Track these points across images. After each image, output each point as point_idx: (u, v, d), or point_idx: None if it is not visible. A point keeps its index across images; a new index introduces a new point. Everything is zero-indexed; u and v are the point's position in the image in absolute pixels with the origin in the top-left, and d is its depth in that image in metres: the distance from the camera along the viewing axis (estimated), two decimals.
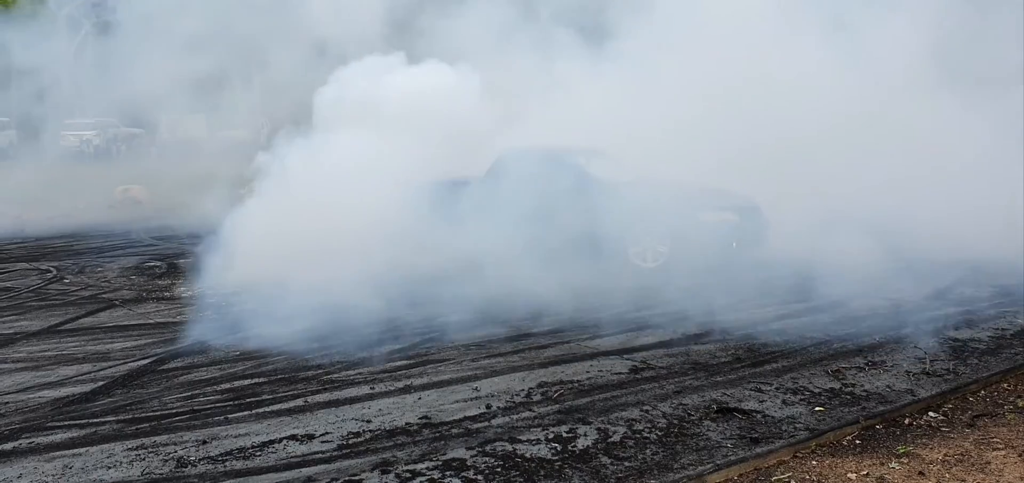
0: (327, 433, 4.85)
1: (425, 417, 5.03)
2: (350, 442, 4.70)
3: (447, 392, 5.49)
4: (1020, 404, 5.13)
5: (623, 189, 9.56)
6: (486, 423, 4.92)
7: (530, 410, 5.13)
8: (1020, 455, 4.38)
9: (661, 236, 9.32)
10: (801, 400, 5.20)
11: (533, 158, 10.18)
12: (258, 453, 4.59)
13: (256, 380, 5.94)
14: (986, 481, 4.11)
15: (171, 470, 4.41)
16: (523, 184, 9.71)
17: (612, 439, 4.64)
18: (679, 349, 6.35)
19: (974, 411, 5.05)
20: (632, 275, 9.15)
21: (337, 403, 5.36)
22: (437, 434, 4.77)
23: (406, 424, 4.94)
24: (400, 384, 5.68)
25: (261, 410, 5.28)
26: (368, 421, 5.01)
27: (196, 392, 5.70)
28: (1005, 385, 5.48)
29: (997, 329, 6.72)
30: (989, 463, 4.30)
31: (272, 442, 4.74)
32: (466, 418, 5.00)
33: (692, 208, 9.31)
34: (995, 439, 4.60)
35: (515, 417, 5.01)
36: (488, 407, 5.18)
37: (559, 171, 10.04)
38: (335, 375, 5.96)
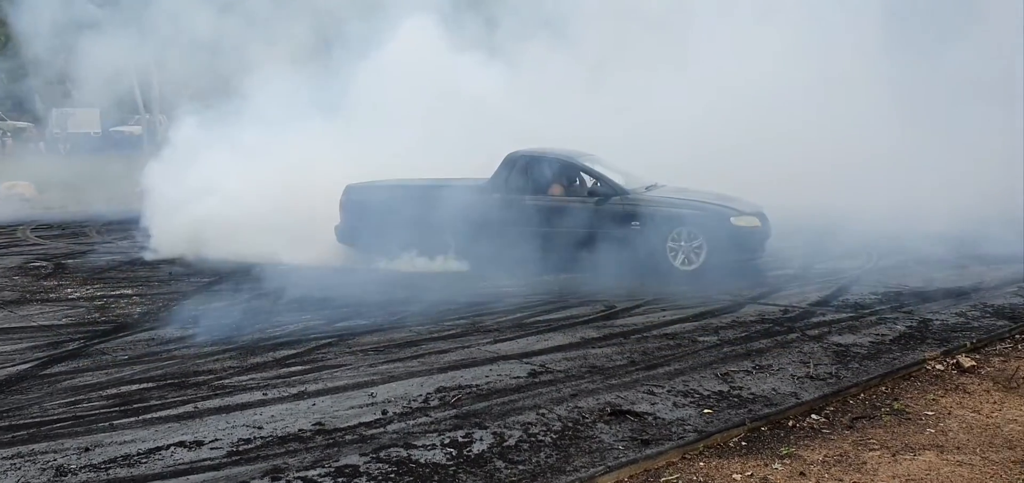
0: (217, 440, 4.73)
1: (319, 423, 4.97)
2: (240, 449, 4.60)
3: (343, 398, 5.43)
4: (896, 406, 5.37)
5: (660, 198, 10.21)
6: (381, 429, 4.89)
7: (427, 415, 5.12)
8: (894, 455, 4.59)
9: (699, 241, 9.75)
10: (691, 402, 5.34)
11: (549, 161, 10.61)
12: (143, 460, 4.46)
13: (145, 385, 5.77)
14: (862, 480, 4.29)
15: (49, 479, 4.24)
16: (540, 188, 10.38)
17: (508, 443, 4.67)
18: (577, 353, 6.44)
19: (853, 413, 5.27)
20: (676, 278, 9.57)
21: (228, 409, 5.24)
22: (330, 440, 4.71)
23: (299, 430, 4.86)
24: (294, 390, 5.60)
25: (149, 416, 5.13)
26: (260, 427, 4.92)
27: (80, 398, 5.50)
28: (883, 388, 5.74)
29: (877, 335, 7.03)
30: (865, 463, 4.50)
31: (159, 449, 4.60)
32: (361, 424, 4.96)
33: (726, 214, 9.87)
34: (872, 440, 4.81)
35: (411, 422, 4.99)
36: (384, 413, 5.15)
37: (575, 175, 10.67)
38: (227, 380, 5.83)
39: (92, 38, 15.87)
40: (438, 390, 5.57)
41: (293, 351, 6.60)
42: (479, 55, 14.28)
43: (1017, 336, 7.02)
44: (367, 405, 5.30)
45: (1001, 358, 6.41)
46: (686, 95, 15.08)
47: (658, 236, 9.78)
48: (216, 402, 5.38)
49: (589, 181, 10.42)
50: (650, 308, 8.07)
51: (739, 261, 9.86)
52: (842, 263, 10.69)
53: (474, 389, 5.58)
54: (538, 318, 7.66)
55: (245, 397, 5.47)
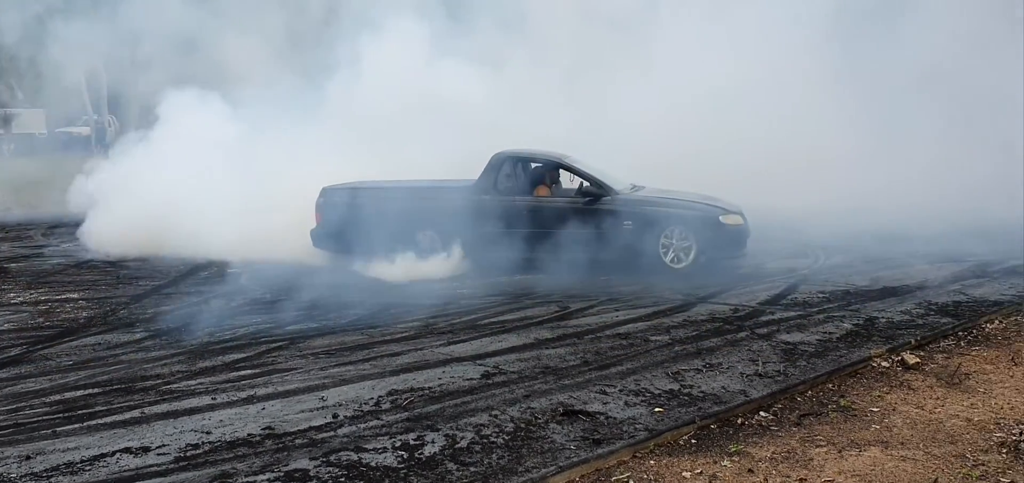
0: (164, 446, 4.66)
1: (268, 427, 4.92)
2: (188, 455, 4.53)
3: (293, 402, 5.38)
4: (843, 403, 5.46)
5: (652, 198, 10.45)
6: (332, 433, 4.85)
7: (378, 418, 5.09)
8: (840, 451, 4.67)
9: (689, 240, 10.02)
10: (643, 401, 5.38)
11: (537, 161, 10.73)
12: (88, 468, 4.37)
13: (90, 390, 5.66)
14: (809, 477, 4.36)
15: None
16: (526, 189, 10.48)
17: (459, 445, 4.66)
18: (531, 354, 6.45)
19: (801, 410, 5.35)
20: (669, 276, 9.85)
21: (176, 414, 5.16)
22: (280, 445, 4.67)
23: (248, 435, 4.80)
24: (243, 394, 5.53)
25: (94, 422, 5.03)
26: (208, 432, 4.85)
27: (22, 404, 5.37)
28: (830, 385, 5.83)
29: (825, 333, 7.15)
30: (812, 459, 4.57)
31: (104, 456, 4.52)
32: (311, 428, 4.92)
33: (715, 213, 10.19)
34: (819, 437, 4.89)
35: (362, 426, 4.96)
36: (335, 416, 5.11)
37: (562, 175, 10.75)
38: (175, 385, 5.74)
39: (42, 38, 15.61)
40: (390, 393, 5.54)
41: (243, 354, 6.52)
42: (452, 59, 14.34)
43: (960, 334, 7.19)
44: (317, 409, 5.25)
45: (944, 355, 6.55)
46: (648, 98, 15.36)
47: (651, 235, 10.00)
48: (164, 407, 5.29)
49: (578, 182, 10.47)
50: (604, 308, 8.12)
51: (725, 258, 10.25)
52: (792, 262, 10.89)
53: (426, 391, 5.56)
54: (493, 319, 7.65)
55: (193, 402, 5.39)
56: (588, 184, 10.28)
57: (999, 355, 6.53)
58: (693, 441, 4.84)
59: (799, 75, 16.68)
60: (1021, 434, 4.84)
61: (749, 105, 15.71)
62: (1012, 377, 5.97)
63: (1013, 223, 14.12)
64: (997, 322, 7.59)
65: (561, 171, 10.70)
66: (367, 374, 5.94)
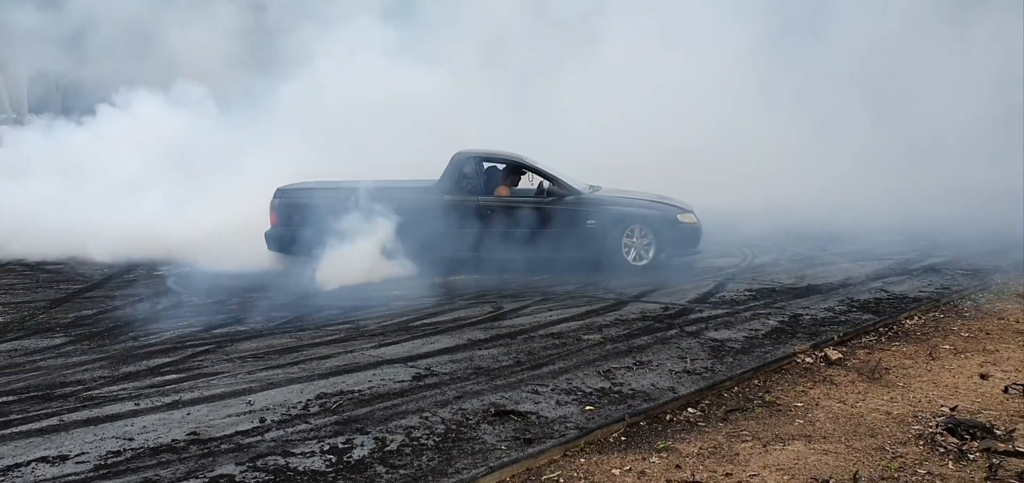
0: (83, 453, 4.52)
1: (193, 433, 4.81)
2: (109, 462, 4.40)
3: (219, 406, 5.27)
4: (768, 398, 5.57)
5: (614, 197, 10.75)
6: (259, 437, 4.77)
7: (307, 422, 5.02)
8: (765, 446, 4.76)
9: (649, 237, 10.44)
10: (574, 400, 5.41)
11: (499, 161, 10.75)
12: (0, 479, 4.21)
13: (5, 398, 5.46)
14: (734, 471, 4.43)
15: None
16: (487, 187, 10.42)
17: (389, 448, 4.62)
18: (463, 355, 6.43)
19: (728, 406, 5.44)
20: (631, 273, 10.22)
21: (97, 421, 5.01)
22: (205, 450, 4.57)
23: (172, 441, 4.69)
24: (168, 399, 5.40)
25: (8, 431, 4.85)
26: (131, 439, 4.72)
27: None
28: (755, 381, 5.95)
29: (751, 330, 7.29)
30: (738, 454, 4.65)
31: (18, 466, 4.36)
32: (238, 433, 4.82)
33: (674, 212, 10.63)
34: (744, 432, 4.98)
35: (290, 430, 4.88)
36: (262, 421, 5.02)
37: (523, 175, 10.81)
38: (97, 391, 5.58)
39: None
40: (319, 396, 5.46)
41: (168, 359, 6.37)
42: (405, 58, 14.35)
43: (880, 330, 7.40)
44: (244, 413, 5.15)
45: (866, 350, 6.74)
46: (594, 100, 15.63)
47: (613, 234, 10.32)
48: (84, 414, 5.13)
49: (537, 182, 10.60)
50: (537, 308, 8.15)
51: (682, 255, 10.72)
52: (722, 261, 11.10)
53: (356, 394, 5.51)
54: (425, 321, 7.62)
55: (116, 408, 5.24)
56: (550, 184, 10.44)
57: (918, 350, 6.74)
58: (623, 438, 4.88)
59: (737, 79, 17.12)
60: (937, 426, 5.00)
61: (690, 108, 16.06)
62: (930, 371, 6.16)
63: (934, 222, 14.66)
64: (916, 318, 7.84)
65: (519, 172, 10.78)
66: (295, 377, 5.85)
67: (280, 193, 10.28)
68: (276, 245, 10.32)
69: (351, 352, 6.51)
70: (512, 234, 10.10)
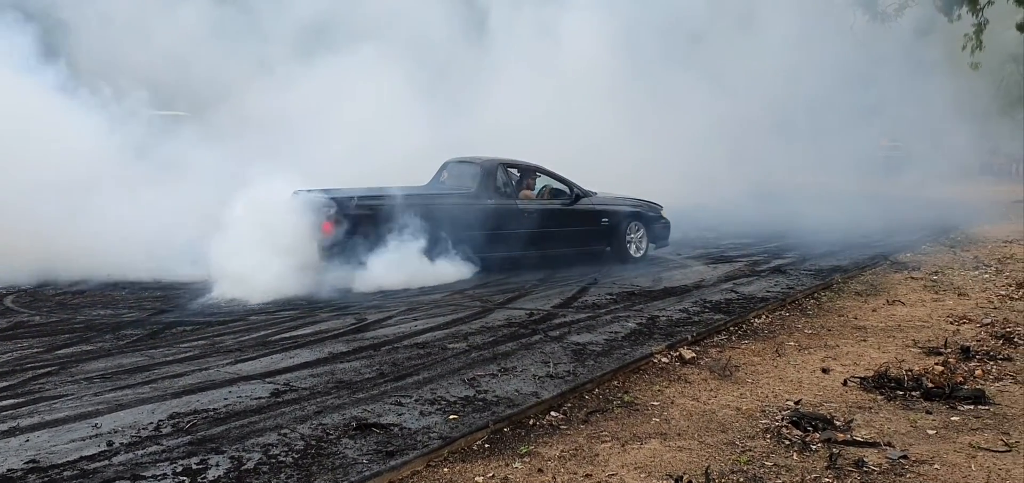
0: None
1: (32, 461, 4.51)
2: None
3: (62, 431, 4.96)
4: (626, 399, 5.73)
5: (620, 197, 12.50)
6: (106, 462, 4.52)
7: (158, 444, 4.79)
8: (623, 445, 4.89)
9: (642, 232, 12.38)
10: (438, 410, 5.40)
11: (522, 168, 11.79)
12: None
13: None
14: (594, 472, 4.53)
15: None
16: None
17: (246, 467, 4.47)
18: (324, 368, 6.30)
19: (589, 408, 5.55)
20: (632, 264, 11.99)
21: None
22: (46, 478, 4.29)
23: (8, 470, 4.38)
24: (4, 426, 5.04)
25: None
26: None
27: None
28: (615, 382, 6.10)
29: (612, 333, 7.48)
30: (598, 455, 4.75)
31: None
32: (82, 458, 4.55)
33: (658, 210, 12.73)
34: (604, 433, 5.10)
35: (140, 452, 4.65)
36: (110, 444, 4.76)
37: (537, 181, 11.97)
38: None
39: None
40: (171, 416, 5.23)
41: (5, 383, 5.95)
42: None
43: (731, 328, 7.75)
44: (90, 437, 4.87)
45: (717, 349, 7.03)
46: (485, 117, 16.00)
47: (619, 230, 12.09)
48: None
49: (556, 185, 11.92)
50: (403, 319, 8.09)
51: (661, 247, 12.76)
52: (586, 268, 11.36)
53: (211, 413, 5.30)
54: (284, 335, 7.42)
55: None
56: (566, 187, 11.85)
57: (765, 347, 7.09)
58: (487, 445, 4.90)
59: (610, 100, 17.79)
60: (783, 420, 5.27)
61: (571, 124, 16.60)
62: (776, 367, 6.49)
63: (786, 225, 15.53)
64: (764, 317, 8.25)
65: (534, 176, 11.85)
66: (147, 397, 5.58)
67: (337, 203, 10.10)
68: (332, 254, 10.00)
69: (206, 369, 6.26)
70: (547, 232, 11.43)
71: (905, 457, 4.63)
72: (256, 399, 5.57)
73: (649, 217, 12.50)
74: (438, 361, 6.54)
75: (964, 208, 20.83)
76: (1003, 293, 9.38)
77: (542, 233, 11.38)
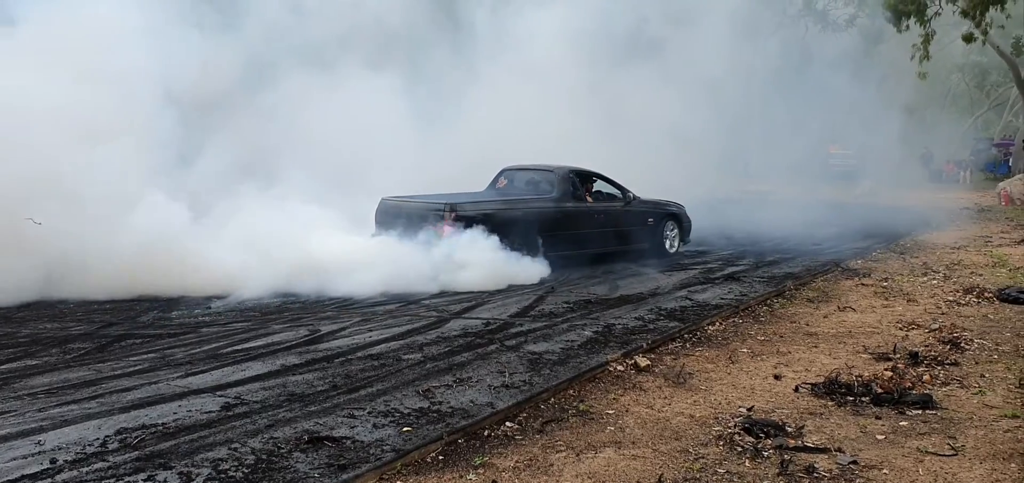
0: None
1: None
2: None
3: (3, 449, 4.82)
4: (582, 408, 5.73)
5: (658, 199, 13.85)
6: (49, 480, 4.40)
7: (104, 460, 4.68)
8: (578, 455, 4.89)
9: (675, 230, 13.93)
10: (391, 422, 5.35)
11: (584, 174, 12.95)
12: None
13: None
14: (549, 482, 4.52)
15: None
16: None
17: (194, 482, 4.39)
18: (276, 381, 6.21)
19: (544, 418, 5.54)
20: (667, 258, 13.53)
21: None
22: None
23: None
24: None
25: None
26: None
27: None
28: (571, 391, 6.10)
29: (568, 341, 7.48)
30: (552, 465, 4.74)
31: None
32: (24, 477, 4.43)
33: (684, 210, 14.17)
34: (559, 442, 5.09)
35: (85, 470, 4.54)
36: (53, 461, 4.64)
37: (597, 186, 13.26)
38: None
39: None
40: (119, 432, 5.11)
41: None
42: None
43: (686, 336, 7.80)
44: (33, 455, 4.74)
45: (672, 356, 7.08)
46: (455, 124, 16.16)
47: (659, 228, 13.59)
48: None
49: (609, 189, 13.18)
50: (356, 330, 8.00)
51: (686, 244, 14.13)
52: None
53: (160, 428, 5.20)
54: (236, 347, 7.30)
55: None
56: (618, 190, 13.13)
57: (719, 354, 7.15)
58: (441, 457, 4.87)
59: (568, 110, 17.96)
60: (735, 427, 5.31)
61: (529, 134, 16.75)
62: (729, 374, 6.55)
63: (739, 232, 15.75)
64: (718, 324, 8.32)
65: (590, 181, 13.05)
66: (93, 413, 5.45)
67: (456, 207, 11.04)
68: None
69: (155, 383, 6.13)
70: (608, 232, 12.74)
71: (855, 462, 4.69)
72: (206, 413, 5.47)
73: (680, 216, 14.00)
74: (392, 372, 6.49)
75: (914, 215, 21.25)
76: (951, 299, 9.57)
77: (604, 233, 12.69)
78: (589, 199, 12.85)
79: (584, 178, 12.89)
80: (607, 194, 13.13)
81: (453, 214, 10.95)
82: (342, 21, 17.19)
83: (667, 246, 13.70)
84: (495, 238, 10.82)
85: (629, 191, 13.17)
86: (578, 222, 12.43)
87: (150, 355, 7.00)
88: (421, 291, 9.94)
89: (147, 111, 11.49)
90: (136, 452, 4.80)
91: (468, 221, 10.95)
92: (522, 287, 10.32)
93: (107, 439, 5.00)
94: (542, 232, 11.63)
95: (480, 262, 10.42)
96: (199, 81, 13.23)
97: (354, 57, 16.66)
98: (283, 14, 16.34)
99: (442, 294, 9.89)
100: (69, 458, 4.71)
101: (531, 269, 11.04)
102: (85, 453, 4.78)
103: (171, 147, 11.85)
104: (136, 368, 6.58)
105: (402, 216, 11.35)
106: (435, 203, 11.33)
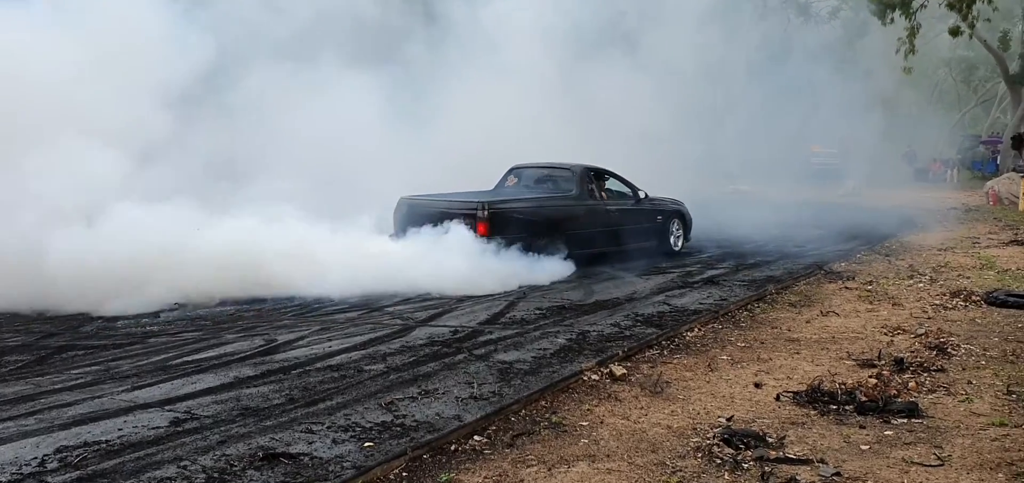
0: None
1: None
2: None
3: None
4: (554, 419, 5.46)
5: (664, 197, 14.03)
6: None
7: (42, 481, 4.36)
8: (550, 469, 4.61)
9: (679, 228, 14.17)
10: (352, 437, 5.05)
11: (599, 172, 13.17)
12: None
13: None
14: None
15: None
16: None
17: None
18: (229, 394, 5.88)
19: (514, 431, 5.26)
20: (672, 255, 13.86)
21: None
22: None
23: None
24: None
25: None
26: None
27: None
28: (542, 402, 5.82)
29: (540, 350, 7.20)
30: (523, 480, 4.47)
31: None
32: None
33: (686, 208, 14.40)
34: (530, 456, 4.82)
35: None
36: None
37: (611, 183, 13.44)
38: None
39: None
40: (58, 450, 4.78)
41: None
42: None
43: (663, 343, 7.54)
44: None
45: (649, 365, 6.81)
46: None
47: (666, 226, 13.85)
48: None
49: (620, 187, 13.36)
50: (315, 339, 7.66)
51: (689, 241, 14.45)
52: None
53: (103, 445, 4.86)
54: (186, 358, 6.94)
55: None
56: (628, 188, 13.31)
57: (697, 362, 6.89)
58: (404, 474, 4.59)
59: (544, 111, 17.82)
60: (714, 437, 5.05)
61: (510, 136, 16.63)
62: (709, 383, 6.30)
63: (718, 234, 15.60)
64: (696, 330, 8.07)
65: (603, 179, 13.20)
66: (31, 430, 5.11)
67: (489, 206, 11.04)
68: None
69: (99, 397, 5.77)
70: (622, 230, 12.78)
71: (838, 474, 4.46)
72: (154, 429, 5.14)
73: (684, 214, 14.28)
74: (353, 384, 6.17)
75: (899, 215, 21.15)
76: (937, 302, 9.37)
77: (619, 231, 12.76)
78: (603, 196, 12.98)
79: (598, 175, 13.06)
80: (618, 192, 13.26)
81: (488, 213, 10.85)
82: (313, 16, 16.91)
83: (672, 243, 13.92)
84: (525, 238, 10.97)
85: (639, 189, 13.33)
86: (595, 220, 12.56)
87: (93, 367, 6.64)
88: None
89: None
90: (77, 472, 4.48)
91: (502, 220, 10.89)
92: (491, 295, 10.00)
93: (46, 458, 4.67)
94: (569, 230, 11.89)
95: (510, 261, 10.54)
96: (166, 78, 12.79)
97: (327, 54, 16.34)
98: (253, 10, 15.96)
99: (407, 301, 9.58)
100: (4, 479, 4.38)
101: (560, 268, 11.16)
102: (21, 474, 4.46)
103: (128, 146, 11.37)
104: (78, 381, 6.21)
105: (426, 216, 11.11)
106: (466, 202, 11.21)
